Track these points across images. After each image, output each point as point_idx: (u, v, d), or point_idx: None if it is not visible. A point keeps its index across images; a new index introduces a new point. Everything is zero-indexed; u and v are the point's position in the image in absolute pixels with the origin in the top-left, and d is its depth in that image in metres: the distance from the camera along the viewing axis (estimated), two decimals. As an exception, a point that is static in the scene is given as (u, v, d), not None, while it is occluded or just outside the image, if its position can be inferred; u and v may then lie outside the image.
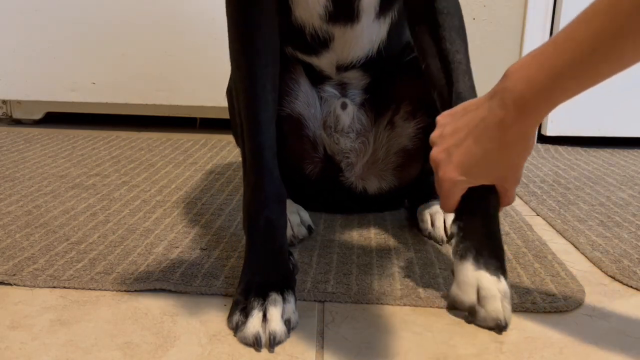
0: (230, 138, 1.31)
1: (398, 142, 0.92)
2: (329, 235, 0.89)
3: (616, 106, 1.52)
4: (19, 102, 1.72)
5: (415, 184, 0.97)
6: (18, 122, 1.74)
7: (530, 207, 1.05)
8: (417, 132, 0.91)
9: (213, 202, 1.03)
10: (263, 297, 0.61)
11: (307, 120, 0.90)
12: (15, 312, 0.64)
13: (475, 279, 0.63)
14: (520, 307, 0.67)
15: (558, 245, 0.87)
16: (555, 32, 1.52)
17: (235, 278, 0.72)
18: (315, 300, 0.68)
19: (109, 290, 0.70)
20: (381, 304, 0.68)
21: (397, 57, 0.90)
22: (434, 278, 0.74)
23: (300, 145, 0.92)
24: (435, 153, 0.65)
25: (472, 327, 0.64)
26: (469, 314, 0.64)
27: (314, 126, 0.90)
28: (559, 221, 0.97)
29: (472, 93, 0.71)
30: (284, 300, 0.62)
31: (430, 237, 0.88)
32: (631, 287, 0.74)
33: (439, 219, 0.88)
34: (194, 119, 1.74)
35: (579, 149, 1.53)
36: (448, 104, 0.71)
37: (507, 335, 0.62)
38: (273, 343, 0.58)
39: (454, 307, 0.66)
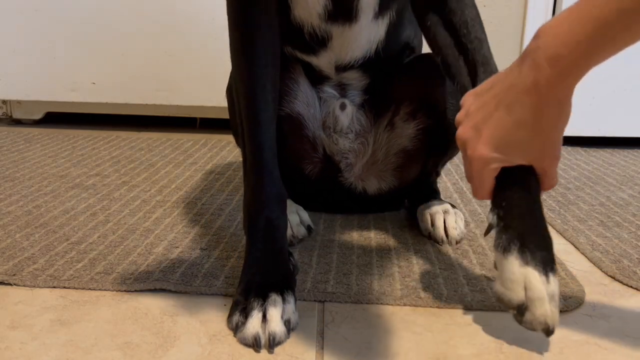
0: (230, 138, 1.31)
1: (398, 143, 0.92)
2: (329, 235, 0.89)
3: (616, 106, 1.52)
4: (19, 102, 1.72)
5: (415, 184, 0.97)
6: (18, 122, 1.74)
7: (530, 207, 1.05)
8: (417, 133, 0.91)
9: (213, 202, 1.03)
10: (263, 298, 0.61)
11: (307, 120, 0.90)
12: (15, 312, 0.64)
13: (523, 276, 0.58)
14: (520, 307, 0.67)
15: (558, 245, 0.87)
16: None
17: (235, 278, 0.72)
18: (315, 300, 0.68)
19: (109, 290, 0.70)
20: (381, 304, 0.68)
21: (396, 58, 0.90)
22: (434, 278, 0.74)
23: (299, 146, 0.92)
24: (462, 132, 0.60)
25: (472, 327, 0.64)
26: (517, 312, 0.58)
27: (314, 126, 0.90)
28: (559, 221, 0.97)
29: None
30: (284, 300, 0.62)
31: (430, 237, 0.88)
32: (631, 287, 0.74)
33: (439, 219, 0.88)
34: (194, 119, 1.74)
35: (579, 149, 1.53)
36: None
37: (507, 335, 0.62)
38: (272, 344, 0.58)
39: (501, 303, 0.60)
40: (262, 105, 0.71)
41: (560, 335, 0.62)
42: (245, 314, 0.60)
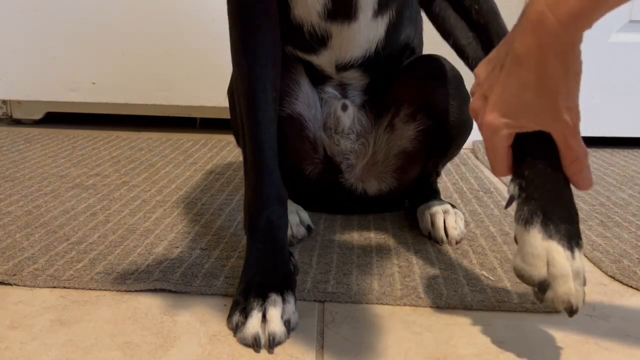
0: (230, 138, 1.31)
1: (398, 144, 0.92)
2: (329, 235, 0.89)
3: (616, 106, 1.52)
4: (19, 102, 1.72)
5: (415, 185, 0.97)
6: (18, 122, 1.74)
7: (530, 207, 1.05)
8: (417, 134, 0.91)
9: (213, 202, 1.03)
10: (263, 298, 0.61)
11: (308, 121, 0.90)
12: (15, 312, 0.64)
13: (545, 251, 0.53)
14: (520, 307, 0.67)
15: (558, 246, 0.87)
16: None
17: (235, 278, 0.72)
18: (315, 301, 0.68)
19: (109, 290, 0.70)
20: (381, 304, 0.68)
21: (396, 58, 0.90)
22: (434, 278, 0.74)
23: (300, 146, 0.92)
24: (473, 102, 0.58)
25: (472, 327, 0.64)
26: (539, 290, 0.54)
27: (315, 127, 0.90)
28: (559, 221, 0.97)
29: None
30: (284, 300, 0.62)
31: (430, 237, 0.88)
32: (631, 287, 0.74)
33: (439, 219, 0.88)
34: (194, 119, 1.74)
35: (579, 149, 1.53)
36: None
37: (507, 335, 0.62)
38: (272, 344, 0.58)
39: (521, 280, 0.56)
40: (262, 105, 0.71)
41: (560, 335, 0.62)
42: (245, 314, 0.60)
